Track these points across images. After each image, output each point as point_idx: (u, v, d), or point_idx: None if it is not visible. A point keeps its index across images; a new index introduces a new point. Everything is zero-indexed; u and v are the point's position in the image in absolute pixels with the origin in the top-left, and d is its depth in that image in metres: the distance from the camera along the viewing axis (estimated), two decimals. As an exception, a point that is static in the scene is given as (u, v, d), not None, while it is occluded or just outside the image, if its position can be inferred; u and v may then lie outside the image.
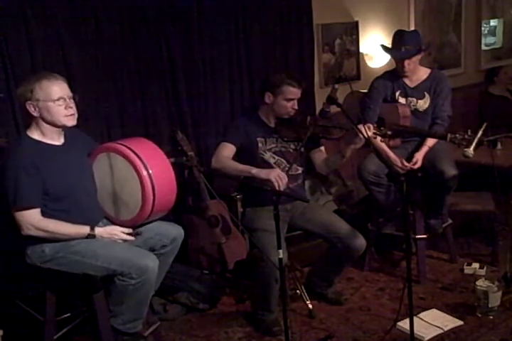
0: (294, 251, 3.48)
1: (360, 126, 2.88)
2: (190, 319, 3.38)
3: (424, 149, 3.56)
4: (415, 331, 2.75)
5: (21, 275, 2.84)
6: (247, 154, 3.21)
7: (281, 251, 2.61)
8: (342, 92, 3.13)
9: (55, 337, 2.77)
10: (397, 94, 3.66)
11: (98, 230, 2.57)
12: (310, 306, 3.35)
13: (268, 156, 3.24)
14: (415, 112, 3.61)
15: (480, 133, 2.90)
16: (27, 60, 3.01)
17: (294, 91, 3.13)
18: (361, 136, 2.88)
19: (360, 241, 3.17)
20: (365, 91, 3.80)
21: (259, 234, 3.10)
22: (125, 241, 2.61)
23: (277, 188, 2.90)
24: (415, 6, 5.06)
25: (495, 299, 3.16)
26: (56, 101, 2.48)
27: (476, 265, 3.74)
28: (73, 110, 2.54)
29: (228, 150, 3.16)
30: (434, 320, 3.15)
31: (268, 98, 3.18)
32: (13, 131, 2.99)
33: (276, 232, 2.60)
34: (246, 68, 3.95)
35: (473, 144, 2.89)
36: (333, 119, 3.13)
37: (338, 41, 4.52)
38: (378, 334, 3.09)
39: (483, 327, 3.09)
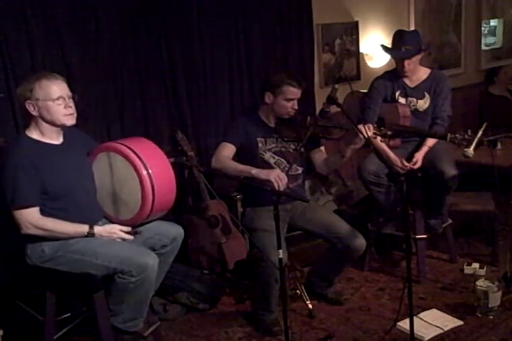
0: (294, 251, 3.48)
1: (360, 126, 2.88)
2: (190, 319, 3.38)
3: (424, 149, 3.56)
4: (415, 331, 2.75)
5: (21, 276, 2.83)
6: (247, 154, 3.21)
7: (281, 251, 2.61)
8: (342, 92, 3.13)
9: (55, 337, 2.77)
10: (397, 94, 3.66)
11: (97, 229, 2.57)
12: (310, 306, 3.35)
13: (268, 156, 3.24)
14: (415, 112, 3.61)
15: (480, 133, 2.90)
16: (27, 60, 3.01)
17: (294, 92, 3.13)
18: (361, 136, 2.88)
19: (360, 241, 3.17)
20: (365, 91, 3.79)
21: (259, 234, 3.10)
22: (124, 240, 2.61)
23: (277, 188, 2.90)
24: (415, 6, 5.06)
25: (495, 299, 3.16)
26: (55, 100, 2.49)
27: (476, 265, 3.73)
28: (72, 109, 2.55)
29: (228, 150, 3.16)
30: (434, 320, 3.15)
31: (268, 98, 3.18)
32: (12, 130, 2.99)
33: (276, 232, 2.60)
34: (246, 68, 3.95)
35: (473, 144, 2.89)
36: (333, 119, 3.13)
37: (338, 41, 4.52)
38: (378, 334, 3.09)
39: (483, 327, 3.09)
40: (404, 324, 3.00)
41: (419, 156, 3.55)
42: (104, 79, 3.31)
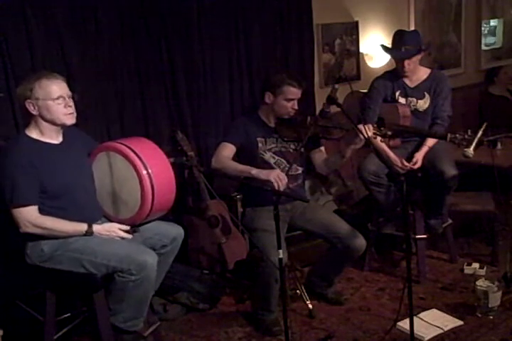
0: (294, 251, 3.48)
1: (360, 126, 2.88)
2: (190, 319, 3.38)
3: (424, 149, 3.56)
4: (415, 331, 2.75)
5: (21, 275, 2.83)
6: (247, 154, 3.21)
7: (281, 251, 2.62)
8: (342, 92, 3.13)
9: (55, 337, 2.77)
10: (397, 94, 3.66)
11: (96, 227, 2.58)
12: (310, 306, 3.35)
13: (268, 156, 3.24)
14: (415, 112, 3.61)
15: (480, 133, 2.90)
16: (27, 60, 3.01)
17: (294, 92, 3.13)
18: (361, 136, 2.88)
19: (360, 241, 3.17)
20: (365, 91, 3.80)
21: (259, 234, 3.10)
22: (123, 238, 2.61)
23: (277, 189, 2.90)
24: (415, 6, 5.06)
25: (495, 299, 3.16)
26: (55, 99, 2.50)
27: (476, 265, 3.74)
28: (72, 109, 2.56)
29: (228, 150, 3.16)
30: (434, 320, 3.15)
31: (268, 98, 3.18)
32: (12, 130, 2.99)
33: (276, 232, 2.60)
34: (246, 68, 3.95)
35: (473, 144, 2.89)
36: (333, 119, 3.13)
37: (338, 41, 4.51)
38: (378, 334, 3.09)
39: (483, 327, 3.09)
40: (404, 324, 3.00)
41: (419, 156, 3.55)
42: (104, 79, 3.31)
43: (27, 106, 2.49)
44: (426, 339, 3.00)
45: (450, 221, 3.80)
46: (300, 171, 3.31)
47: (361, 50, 4.70)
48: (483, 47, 5.94)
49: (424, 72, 3.68)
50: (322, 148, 3.36)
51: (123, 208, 2.67)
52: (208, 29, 3.69)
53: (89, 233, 2.55)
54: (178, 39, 3.56)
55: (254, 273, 3.20)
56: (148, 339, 2.81)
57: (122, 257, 2.50)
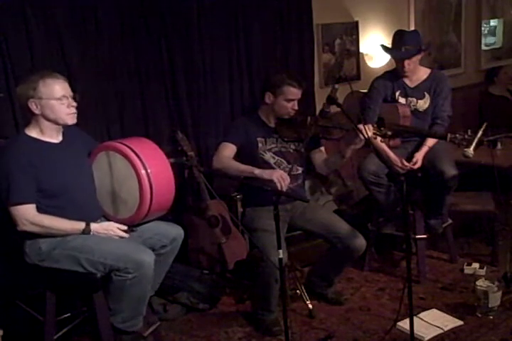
0: (294, 251, 3.48)
1: (360, 127, 2.88)
2: (190, 319, 3.38)
3: (424, 149, 3.56)
4: (415, 331, 2.75)
5: (21, 275, 2.84)
6: (247, 154, 3.21)
7: (281, 251, 2.62)
8: (342, 92, 3.13)
9: (55, 337, 2.77)
10: (397, 94, 3.66)
11: (93, 226, 2.58)
12: (310, 306, 3.35)
13: (268, 156, 3.24)
14: (415, 112, 3.62)
15: (480, 133, 2.91)
16: (27, 60, 3.01)
17: (294, 92, 3.13)
18: (361, 136, 2.88)
19: (360, 241, 3.17)
20: (365, 91, 3.80)
21: (259, 234, 3.10)
22: (121, 238, 2.62)
23: (280, 189, 2.90)
24: (415, 6, 5.06)
25: (495, 299, 3.16)
26: (59, 99, 2.51)
27: (476, 265, 3.73)
28: (74, 109, 2.58)
29: (229, 150, 3.16)
30: (434, 320, 3.15)
31: (268, 98, 3.18)
32: (12, 130, 2.99)
33: (276, 232, 2.60)
34: (246, 68, 3.95)
35: (473, 144, 2.90)
36: (333, 119, 3.13)
37: (338, 41, 4.51)
38: (378, 334, 3.09)
39: (483, 327, 3.09)
40: (404, 324, 3.00)
41: (419, 156, 3.55)
42: (104, 79, 3.31)
43: (29, 105, 2.50)
44: (426, 339, 3.00)
45: (450, 221, 3.80)
46: (300, 171, 3.31)
47: (361, 50, 4.70)
48: (483, 47, 5.94)
49: (424, 72, 3.68)
50: (322, 148, 3.36)
51: (122, 207, 2.67)
52: (208, 29, 3.69)
53: (86, 231, 2.56)
54: (178, 39, 3.56)
55: (254, 273, 3.20)
56: (148, 339, 2.81)
57: (119, 256, 2.50)
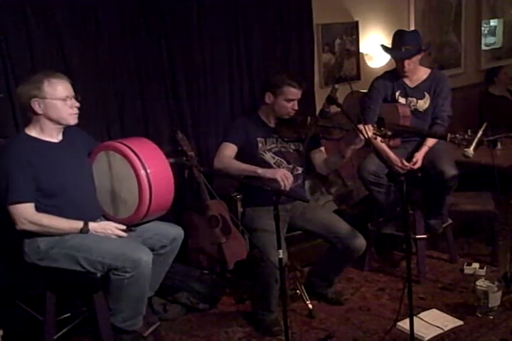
0: (294, 251, 3.48)
1: (360, 127, 2.88)
2: (190, 319, 3.38)
3: (424, 149, 3.56)
4: (415, 331, 2.75)
5: (21, 275, 2.84)
6: (247, 154, 3.21)
7: (281, 251, 2.62)
8: (342, 92, 3.13)
9: (55, 337, 2.77)
10: (397, 94, 3.66)
11: (92, 225, 2.58)
12: (310, 306, 3.35)
13: (268, 156, 3.24)
14: (415, 112, 3.62)
15: (480, 133, 2.91)
16: (27, 60, 3.01)
17: (294, 92, 3.13)
18: (361, 136, 2.88)
19: (360, 241, 3.17)
20: (365, 91, 3.80)
21: (259, 234, 3.10)
22: (120, 237, 2.62)
23: (283, 187, 2.91)
24: (415, 6, 5.06)
25: (495, 299, 3.16)
26: (63, 99, 2.52)
27: (476, 265, 3.74)
28: (77, 109, 2.59)
29: (230, 150, 3.16)
30: (434, 320, 3.15)
31: (268, 98, 3.18)
32: (13, 130, 2.99)
33: (276, 232, 2.60)
34: (246, 68, 3.95)
35: (473, 144, 2.90)
36: (333, 119, 3.13)
37: (338, 41, 4.51)
38: (378, 334, 3.09)
39: (483, 327, 3.09)
40: (404, 324, 3.00)
41: (419, 156, 3.55)
42: (104, 79, 3.31)
43: (32, 104, 2.50)
44: (426, 339, 3.00)
45: (450, 221, 3.80)
46: (300, 171, 3.31)
47: (361, 50, 4.70)
48: (483, 47, 5.94)
49: (424, 72, 3.68)
50: (322, 148, 3.36)
51: (122, 207, 2.67)
52: (208, 29, 3.69)
53: (84, 231, 2.56)
54: (178, 39, 3.56)
55: (254, 273, 3.20)
56: (148, 339, 2.81)
57: (117, 254, 2.50)
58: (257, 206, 3.24)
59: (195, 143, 3.69)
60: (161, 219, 2.80)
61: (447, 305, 3.34)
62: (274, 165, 3.22)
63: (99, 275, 2.54)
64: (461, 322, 3.14)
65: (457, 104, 4.04)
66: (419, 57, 3.58)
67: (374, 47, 4.58)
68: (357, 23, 4.62)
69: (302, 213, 3.29)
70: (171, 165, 2.70)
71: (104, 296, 2.60)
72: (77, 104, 2.58)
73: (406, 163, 3.54)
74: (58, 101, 2.51)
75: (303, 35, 4.22)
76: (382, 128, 2.93)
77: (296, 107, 3.17)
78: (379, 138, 3.02)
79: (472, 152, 2.91)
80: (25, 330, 2.96)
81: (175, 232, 2.79)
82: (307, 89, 3.71)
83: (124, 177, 2.60)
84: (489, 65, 5.90)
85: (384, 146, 3.56)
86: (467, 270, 3.73)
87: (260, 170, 3.05)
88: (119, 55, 3.35)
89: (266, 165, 3.19)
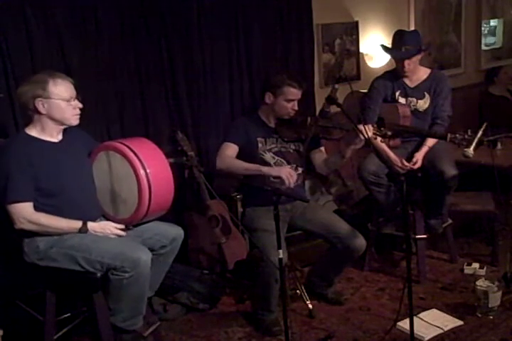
0: (294, 251, 3.48)
1: (360, 127, 2.88)
2: (190, 319, 3.38)
3: (424, 149, 3.56)
4: (415, 331, 2.75)
5: (21, 275, 2.84)
6: (247, 154, 3.21)
7: (281, 251, 2.62)
8: (342, 92, 3.13)
9: (55, 337, 2.77)
10: (397, 94, 3.66)
11: (90, 224, 2.59)
12: (310, 306, 3.35)
13: (268, 156, 3.24)
14: (415, 112, 3.62)
15: (480, 133, 2.91)
16: (27, 60, 3.01)
17: (294, 92, 3.13)
18: (361, 136, 2.88)
19: (360, 241, 3.17)
20: (365, 91, 3.80)
21: (259, 234, 3.10)
22: (119, 236, 2.63)
23: (288, 185, 2.93)
24: (415, 6, 5.06)
25: (495, 299, 3.16)
26: (68, 100, 2.54)
27: (476, 265, 3.74)
28: (79, 110, 2.60)
29: (231, 149, 3.16)
30: (434, 320, 3.15)
31: (268, 98, 3.18)
32: (13, 130, 2.99)
33: (276, 232, 2.60)
34: (246, 68, 3.95)
35: (473, 144, 2.90)
36: (333, 119, 3.13)
37: (338, 41, 4.51)
38: (378, 334, 3.09)
39: (483, 327, 3.09)
40: (404, 324, 3.00)
41: (419, 156, 3.55)
42: (104, 79, 3.31)
43: (36, 104, 2.50)
44: (426, 339, 3.00)
45: (450, 221, 3.80)
46: (300, 171, 3.31)
47: (361, 50, 4.70)
48: (483, 47, 5.94)
49: (424, 72, 3.68)
50: (322, 148, 3.36)
51: (122, 207, 2.67)
52: (208, 29, 3.69)
53: (83, 230, 2.56)
54: (178, 39, 3.56)
55: (254, 273, 3.20)
56: (148, 339, 2.81)
57: (116, 254, 2.50)
58: (257, 206, 3.24)
59: (195, 143, 3.69)
60: (161, 219, 2.80)
61: (447, 305, 3.34)
62: (274, 166, 3.22)
63: (99, 275, 2.54)
64: (461, 322, 3.14)
65: (457, 104, 4.04)
66: (419, 57, 3.58)
67: (374, 47, 4.58)
68: (357, 23, 4.62)
69: (302, 213, 3.29)
70: (171, 165, 2.70)
71: (104, 296, 2.60)
72: (80, 105, 2.59)
73: (406, 163, 3.54)
74: (63, 101, 2.52)
75: (303, 35, 4.22)
76: (382, 128, 2.93)
77: (296, 107, 3.18)
78: (379, 138, 3.02)
79: (472, 152, 2.91)
80: (25, 330, 2.96)
81: (175, 232, 2.79)
82: (307, 89, 3.71)
83: (124, 177, 2.60)
84: (489, 65, 5.90)
85: (384, 146, 3.56)
86: (467, 270, 3.73)
87: (264, 169, 3.06)
88: (119, 55, 3.34)
89: (266, 165, 3.19)
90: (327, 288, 3.46)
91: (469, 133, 2.93)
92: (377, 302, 3.46)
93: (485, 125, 2.93)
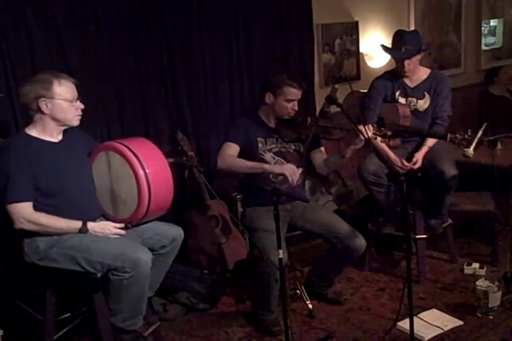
0: (294, 251, 3.48)
1: (361, 127, 2.88)
2: (190, 319, 3.38)
3: (424, 149, 3.56)
4: (415, 331, 2.74)
5: (21, 275, 2.84)
6: (247, 154, 3.21)
7: (281, 251, 2.62)
8: (342, 92, 3.13)
9: (55, 337, 2.77)
10: (397, 94, 3.66)
11: (90, 225, 2.59)
12: (310, 306, 3.35)
13: (268, 157, 3.24)
14: (415, 112, 3.62)
15: (480, 133, 2.91)
16: (27, 60, 3.01)
17: (294, 93, 3.13)
18: (361, 136, 2.88)
19: (360, 241, 3.17)
20: (365, 91, 3.80)
21: (259, 234, 3.10)
22: (120, 235, 2.63)
23: (291, 182, 2.94)
24: (415, 6, 5.06)
25: (495, 299, 3.16)
26: (71, 101, 2.54)
27: (476, 265, 3.74)
28: (80, 111, 2.61)
29: (233, 149, 3.16)
30: (434, 320, 3.15)
31: (268, 98, 3.18)
32: (13, 130, 2.99)
33: (276, 232, 2.60)
34: (246, 68, 3.95)
35: (473, 144, 2.90)
36: (333, 119, 3.13)
37: (338, 41, 4.51)
38: (378, 334, 3.09)
39: (483, 327, 3.09)
40: (404, 324, 3.00)
41: (419, 156, 3.55)
42: (104, 79, 3.31)
43: (39, 104, 2.50)
44: (426, 339, 3.00)
45: (450, 221, 3.80)
46: (300, 171, 3.31)
47: (361, 50, 4.70)
48: (483, 47, 5.94)
49: (424, 72, 3.68)
50: (322, 148, 3.36)
51: (122, 207, 2.67)
52: (208, 29, 3.69)
53: (83, 230, 2.56)
54: (178, 39, 3.56)
55: (254, 273, 3.19)
56: (148, 339, 2.81)
57: (116, 254, 2.50)
58: (257, 206, 3.24)
59: (195, 143, 3.69)
60: (161, 219, 2.80)
61: (447, 305, 3.34)
62: (274, 166, 3.22)
63: (99, 275, 2.54)
64: (461, 322, 3.14)
65: (457, 104, 4.04)
66: (419, 57, 3.58)
67: (374, 47, 4.58)
68: (357, 23, 4.62)
69: (302, 213, 3.29)
70: (171, 165, 2.70)
71: (104, 296, 2.60)
72: (82, 106, 2.60)
73: (406, 163, 3.54)
74: (65, 102, 2.53)
75: (303, 35, 4.22)
76: (382, 128, 2.93)
77: (296, 108, 3.18)
78: (379, 138, 3.02)
79: (472, 152, 2.91)
80: (25, 330, 2.96)
81: (175, 232, 2.79)
82: (307, 89, 3.71)
83: (123, 177, 2.60)
84: (489, 65, 5.90)
85: (384, 146, 3.56)
86: (467, 270, 3.73)
87: (267, 166, 3.06)
88: (119, 55, 3.35)
89: (267, 164, 3.19)
90: (327, 288, 3.46)
91: (469, 133, 2.93)
92: (377, 302, 3.46)
93: (485, 125, 2.93)
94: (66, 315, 2.86)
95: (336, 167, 3.41)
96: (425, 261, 3.72)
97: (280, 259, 2.63)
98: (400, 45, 3.53)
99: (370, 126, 2.95)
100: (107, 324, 2.63)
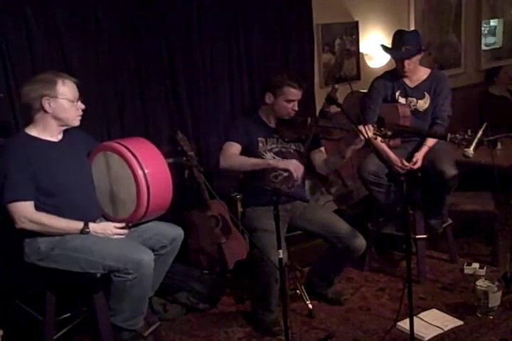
0: (294, 251, 3.48)
1: (361, 127, 2.88)
2: (190, 319, 3.38)
3: (424, 149, 3.56)
4: (415, 331, 2.74)
5: (21, 275, 2.84)
6: (247, 154, 3.20)
7: (281, 251, 2.62)
8: (342, 92, 3.13)
9: (55, 337, 2.77)
10: (397, 94, 3.66)
11: (92, 225, 2.58)
12: (310, 306, 3.35)
13: (269, 157, 3.23)
14: (415, 112, 3.62)
15: (480, 133, 2.91)
16: (27, 60, 3.01)
17: (294, 93, 3.13)
18: (361, 136, 2.88)
19: (360, 241, 3.17)
20: (365, 91, 3.80)
21: (259, 234, 3.10)
22: (121, 235, 2.63)
23: (295, 178, 2.96)
24: (415, 6, 5.06)
25: (495, 299, 3.16)
26: (72, 101, 2.55)
27: (476, 265, 3.73)
28: (81, 111, 2.62)
29: (234, 148, 3.16)
30: (434, 320, 3.15)
31: (268, 98, 3.18)
32: (13, 130, 2.99)
33: (276, 232, 2.60)
34: (246, 68, 3.95)
35: (473, 144, 2.90)
36: (333, 119, 3.13)
37: (338, 41, 4.51)
38: (378, 334, 3.09)
39: (483, 327, 3.09)
40: (404, 324, 3.00)
41: (419, 156, 3.55)
42: (104, 79, 3.31)
43: (42, 103, 2.50)
44: (426, 339, 3.00)
45: (450, 221, 3.80)
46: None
47: (361, 50, 4.70)
48: (483, 47, 5.94)
49: (424, 72, 3.68)
50: (322, 149, 3.36)
51: (121, 207, 2.67)
52: (208, 29, 3.69)
53: (85, 231, 2.56)
54: (178, 39, 3.56)
55: (254, 273, 3.20)
56: (148, 339, 2.81)
57: (119, 256, 2.50)
58: (257, 206, 3.23)
59: (195, 143, 3.69)
60: (161, 219, 2.80)
61: (447, 305, 3.34)
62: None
63: (98, 275, 2.54)
64: (461, 322, 3.14)
65: (457, 104, 4.04)
66: (419, 57, 3.58)
67: (374, 47, 4.58)
68: (357, 23, 4.62)
69: (302, 213, 3.29)
70: (171, 165, 2.70)
71: (105, 296, 2.60)
72: (83, 107, 2.60)
73: (406, 163, 3.54)
74: (67, 101, 2.53)
75: (303, 35, 4.23)
76: (382, 128, 2.93)
77: (297, 108, 3.17)
78: (379, 138, 3.02)
79: (472, 152, 2.91)
80: (25, 330, 2.96)
81: (175, 232, 2.78)
82: (307, 90, 3.71)
83: (122, 177, 2.60)
84: (489, 65, 5.90)
85: (384, 146, 3.56)
86: (467, 270, 3.73)
87: (272, 161, 3.07)
88: (119, 55, 3.35)
89: (266, 165, 3.19)
90: (327, 288, 3.46)
91: (469, 133, 2.93)
92: (377, 302, 3.46)
93: (485, 125, 2.93)
94: (66, 315, 2.86)
95: (336, 167, 3.41)
96: (425, 261, 3.72)
97: (280, 259, 2.63)
98: (400, 45, 3.53)
99: (370, 126, 2.95)
100: (107, 324, 2.62)
